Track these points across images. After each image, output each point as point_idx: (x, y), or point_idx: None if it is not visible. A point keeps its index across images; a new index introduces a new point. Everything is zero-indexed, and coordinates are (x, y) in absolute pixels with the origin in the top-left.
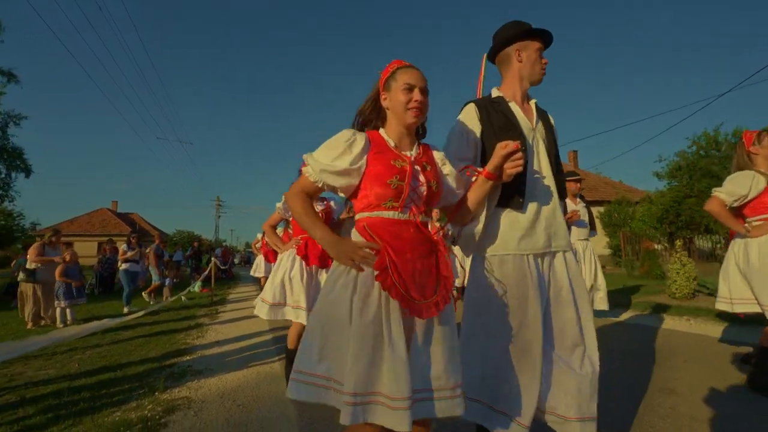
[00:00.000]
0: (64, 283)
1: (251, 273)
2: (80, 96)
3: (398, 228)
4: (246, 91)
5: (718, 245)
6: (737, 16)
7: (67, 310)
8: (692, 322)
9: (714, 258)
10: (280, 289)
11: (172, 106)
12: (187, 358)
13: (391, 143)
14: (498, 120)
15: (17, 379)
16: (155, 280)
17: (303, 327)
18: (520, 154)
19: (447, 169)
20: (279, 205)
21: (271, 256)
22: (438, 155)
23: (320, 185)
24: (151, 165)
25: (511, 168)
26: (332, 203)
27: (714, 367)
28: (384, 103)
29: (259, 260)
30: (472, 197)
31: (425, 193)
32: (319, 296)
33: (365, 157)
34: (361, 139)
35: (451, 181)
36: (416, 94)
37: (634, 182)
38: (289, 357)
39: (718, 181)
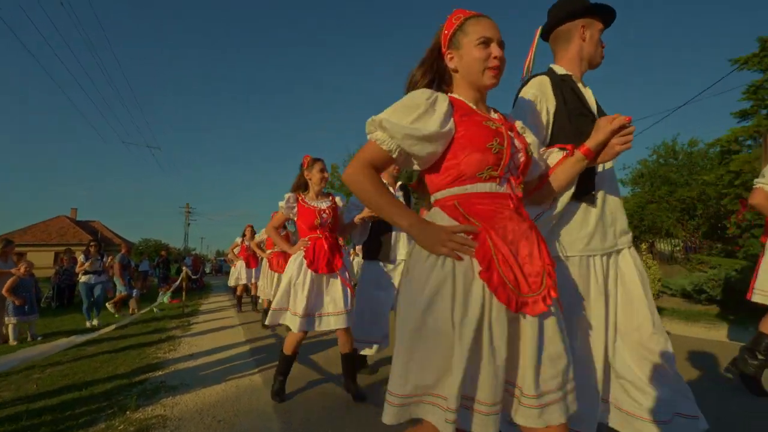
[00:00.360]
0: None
1: (229, 283)
2: (37, 95)
3: (497, 204)
4: (218, 96)
5: (677, 248)
6: (694, 36)
7: (25, 326)
8: None
9: (674, 261)
10: (285, 294)
11: (140, 109)
12: (160, 373)
13: (471, 105)
14: (571, 99)
15: None
16: (120, 291)
17: (304, 335)
18: (632, 128)
19: (530, 138)
20: (282, 204)
21: (252, 262)
22: (518, 123)
23: (395, 155)
24: (116, 170)
25: (621, 145)
26: (338, 199)
27: (684, 363)
28: (451, 64)
29: (240, 267)
30: (561, 176)
31: (522, 160)
32: (402, 300)
33: (452, 119)
34: (443, 98)
35: (535, 152)
36: (495, 49)
37: None
38: (286, 362)
39: (676, 187)
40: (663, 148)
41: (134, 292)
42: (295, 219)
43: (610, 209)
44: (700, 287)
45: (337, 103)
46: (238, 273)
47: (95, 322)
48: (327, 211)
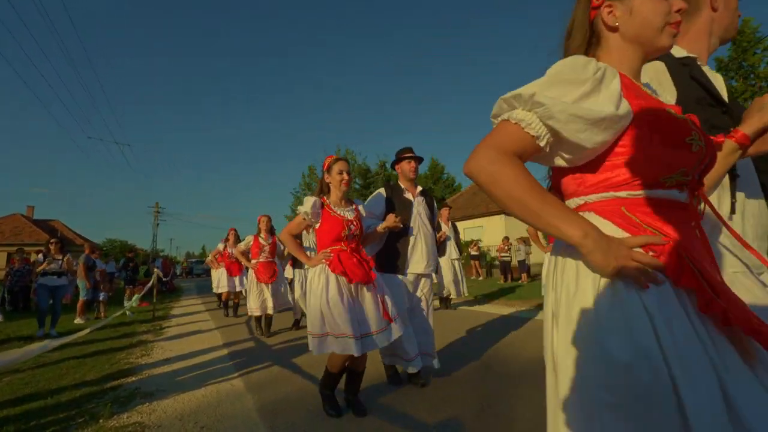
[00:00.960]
0: None
1: (214, 289)
2: None
3: (680, 217)
4: (194, 95)
5: None
6: None
7: None
8: None
9: None
10: (320, 318)
11: (108, 104)
12: (133, 379)
13: (638, 84)
14: (693, 90)
15: None
16: (83, 296)
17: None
18: None
19: None
20: (305, 208)
21: (234, 269)
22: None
23: (543, 143)
24: (80, 168)
25: None
26: (361, 207)
27: None
28: (608, 19)
29: (220, 274)
30: (714, 172)
31: (708, 160)
32: (578, 340)
33: (626, 101)
34: (612, 72)
35: None
36: (677, 1)
37: None
38: (332, 380)
39: None
40: None
41: (101, 296)
42: (316, 227)
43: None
44: None
45: (318, 106)
46: (218, 280)
47: (51, 330)
48: (354, 222)
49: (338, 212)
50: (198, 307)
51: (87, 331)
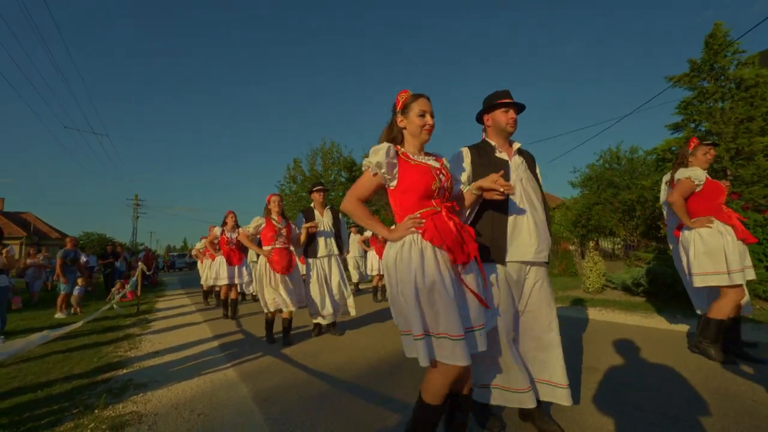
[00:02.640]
0: None
1: (203, 282)
2: None
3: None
4: (176, 87)
5: (618, 246)
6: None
7: None
8: (603, 311)
9: (615, 257)
10: (417, 310)
11: (86, 93)
12: (124, 371)
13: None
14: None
15: None
16: (63, 290)
17: (463, 369)
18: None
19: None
20: (371, 160)
21: (234, 258)
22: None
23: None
24: (53, 158)
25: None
26: (445, 160)
27: (627, 348)
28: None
29: (218, 264)
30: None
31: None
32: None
33: (397, 162)
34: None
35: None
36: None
37: (553, 190)
38: (431, 419)
39: (619, 190)
40: (608, 154)
41: (77, 290)
42: (391, 186)
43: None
44: (638, 281)
45: (299, 100)
46: (216, 271)
47: None
48: (444, 172)
49: (421, 160)
50: (183, 301)
51: (81, 322)
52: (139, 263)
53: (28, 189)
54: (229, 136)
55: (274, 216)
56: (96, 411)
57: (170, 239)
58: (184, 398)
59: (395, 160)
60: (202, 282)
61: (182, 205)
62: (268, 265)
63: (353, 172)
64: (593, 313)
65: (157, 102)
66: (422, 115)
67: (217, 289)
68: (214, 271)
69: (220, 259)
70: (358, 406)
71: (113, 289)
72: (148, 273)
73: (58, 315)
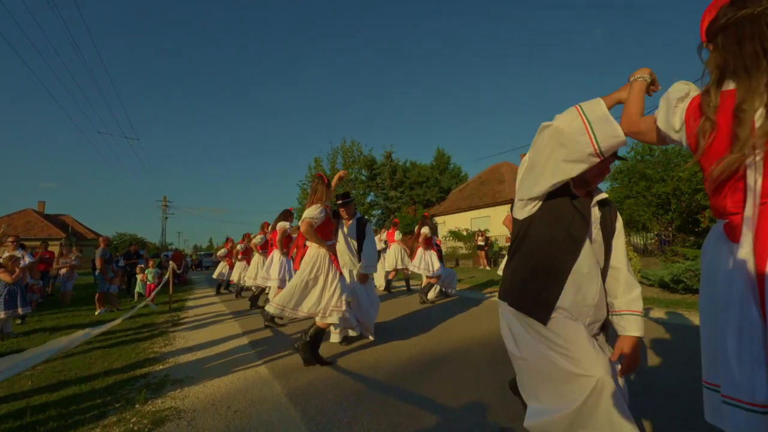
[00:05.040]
0: (8, 288)
1: (254, 282)
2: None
3: None
4: (202, 89)
5: (650, 241)
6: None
7: (11, 322)
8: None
9: (649, 253)
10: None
11: (118, 99)
12: (160, 367)
13: None
14: None
15: None
16: (100, 289)
17: None
18: None
19: None
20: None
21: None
22: None
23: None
24: (90, 162)
25: None
26: None
27: (668, 348)
28: None
29: (274, 260)
30: None
31: None
32: None
33: None
34: None
35: None
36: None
37: None
38: None
39: (653, 183)
40: (641, 145)
41: (113, 288)
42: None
43: None
44: (678, 277)
45: (322, 101)
46: (268, 269)
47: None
48: None
49: None
50: (212, 299)
51: (120, 320)
52: (170, 262)
53: (66, 193)
54: (253, 137)
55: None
56: (137, 405)
57: (197, 239)
58: (219, 395)
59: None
60: (248, 281)
61: (207, 206)
62: (327, 262)
63: (373, 170)
64: None
65: (183, 104)
66: None
67: (266, 290)
68: (265, 267)
69: (276, 256)
70: (393, 406)
71: (136, 290)
72: (178, 272)
73: (99, 312)
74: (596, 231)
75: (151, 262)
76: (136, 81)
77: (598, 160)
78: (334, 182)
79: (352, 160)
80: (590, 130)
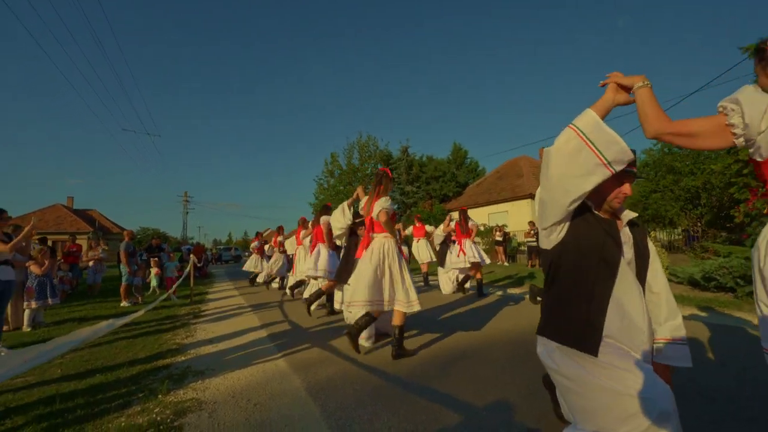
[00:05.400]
0: (38, 279)
1: (305, 273)
2: (33, 81)
3: None
4: (220, 86)
5: (677, 237)
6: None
7: (41, 312)
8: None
9: (675, 249)
10: None
11: (140, 96)
12: (182, 358)
13: None
14: None
15: None
16: (125, 281)
17: None
18: None
19: None
20: None
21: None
22: None
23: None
24: (114, 159)
25: None
26: None
27: (700, 347)
28: None
29: (321, 253)
30: None
31: None
32: None
33: None
34: None
35: None
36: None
37: None
38: None
39: (681, 176)
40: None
41: (137, 281)
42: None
43: None
44: (710, 275)
45: (318, 102)
46: (316, 259)
47: None
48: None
49: None
50: (231, 292)
51: (143, 311)
52: (191, 256)
53: (93, 188)
54: (270, 133)
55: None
56: (160, 396)
57: (217, 233)
58: (239, 387)
59: None
60: (297, 275)
61: (225, 201)
62: (393, 252)
63: (390, 164)
64: None
65: (202, 101)
66: None
67: (307, 281)
68: (312, 259)
69: (322, 248)
70: (414, 403)
71: (153, 284)
72: (199, 265)
73: (124, 303)
74: (629, 253)
75: (171, 256)
76: (155, 80)
77: (609, 171)
78: (353, 198)
79: (368, 154)
80: (589, 143)
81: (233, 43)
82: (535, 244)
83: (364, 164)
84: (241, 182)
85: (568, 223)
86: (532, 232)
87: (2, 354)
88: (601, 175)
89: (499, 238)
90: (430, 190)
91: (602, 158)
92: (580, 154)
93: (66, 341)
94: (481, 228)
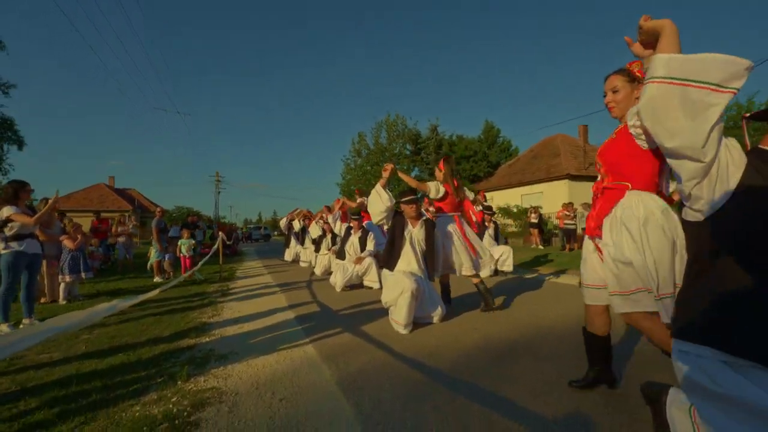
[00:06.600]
0: (71, 254)
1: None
2: (73, 64)
3: None
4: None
5: None
6: None
7: (76, 285)
8: None
9: None
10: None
11: (170, 75)
12: (206, 339)
13: None
14: None
15: (16, 364)
16: (156, 257)
17: None
18: None
19: None
20: None
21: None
22: None
23: None
24: (149, 139)
25: None
26: None
27: None
28: None
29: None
30: None
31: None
32: None
33: None
34: None
35: None
36: None
37: None
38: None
39: None
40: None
41: (167, 256)
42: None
43: None
44: None
45: (345, 85)
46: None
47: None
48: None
49: None
50: (260, 270)
51: (156, 291)
52: (220, 233)
53: (132, 168)
54: (300, 114)
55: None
56: (179, 383)
57: (247, 213)
58: (264, 377)
59: None
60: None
61: (256, 181)
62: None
63: (418, 144)
64: None
65: (231, 81)
66: (604, 96)
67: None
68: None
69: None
70: (463, 406)
71: (150, 261)
72: (228, 243)
73: (156, 279)
74: None
75: (186, 233)
76: (185, 55)
77: (727, 94)
78: (386, 177)
79: (396, 134)
80: (686, 82)
81: (264, 22)
82: (573, 226)
83: (392, 143)
84: (271, 163)
85: (725, 187)
86: (570, 213)
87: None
88: (721, 100)
89: (534, 220)
90: (460, 170)
91: (708, 86)
92: (687, 97)
93: (55, 326)
94: (514, 209)
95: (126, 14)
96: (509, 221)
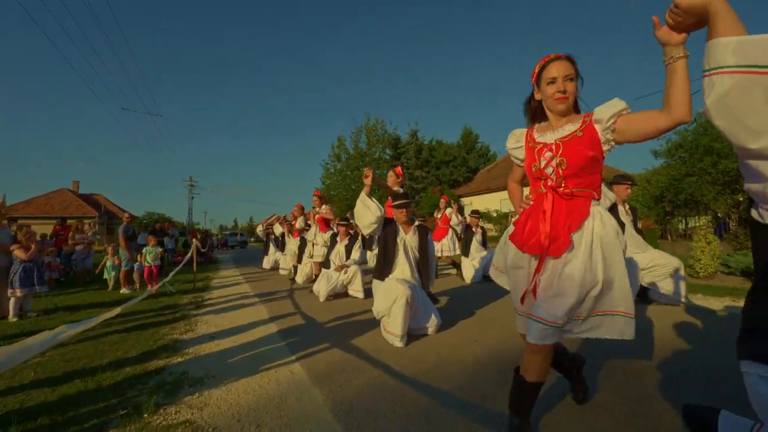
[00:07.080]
0: (23, 265)
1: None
2: (33, 59)
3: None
4: (224, 66)
5: (707, 224)
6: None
7: (29, 300)
8: (737, 300)
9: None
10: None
11: (140, 74)
12: (179, 359)
13: None
14: None
15: None
16: (125, 266)
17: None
18: None
19: None
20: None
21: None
22: None
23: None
24: (117, 143)
25: None
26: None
27: None
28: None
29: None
30: None
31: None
32: None
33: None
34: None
35: None
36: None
37: (616, 163)
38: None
39: (720, 158)
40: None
41: (136, 266)
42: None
43: None
44: None
45: (324, 84)
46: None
47: None
48: (557, 150)
49: (540, 139)
50: (237, 279)
51: (118, 310)
52: (194, 240)
53: (98, 172)
54: (275, 116)
55: None
56: (145, 415)
57: (222, 219)
58: (246, 405)
59: (520, 144)
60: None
61: (231, 186)
62: None
63: (398, 149)
64: (716, 304)
65: (205, 82)
66: (552, 83)
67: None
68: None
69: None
70: None
71: (105, 275)
72: (203, 250)
73: (123, 290)
74: None
75: (152, 241)
76: (156, 53)
77: None
78: (368, 185)
79: (376, 138)
80: (758, 70)
81: (237, 20)
82: None
83: (372, 148)
84: (247, 168)
85: None
86: None
87: None
88: None
89: None
90: (439, 175)
91: None
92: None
93: (26, 347)
94: (494, 214)
95: (91, 9)
96: (490, 226)
